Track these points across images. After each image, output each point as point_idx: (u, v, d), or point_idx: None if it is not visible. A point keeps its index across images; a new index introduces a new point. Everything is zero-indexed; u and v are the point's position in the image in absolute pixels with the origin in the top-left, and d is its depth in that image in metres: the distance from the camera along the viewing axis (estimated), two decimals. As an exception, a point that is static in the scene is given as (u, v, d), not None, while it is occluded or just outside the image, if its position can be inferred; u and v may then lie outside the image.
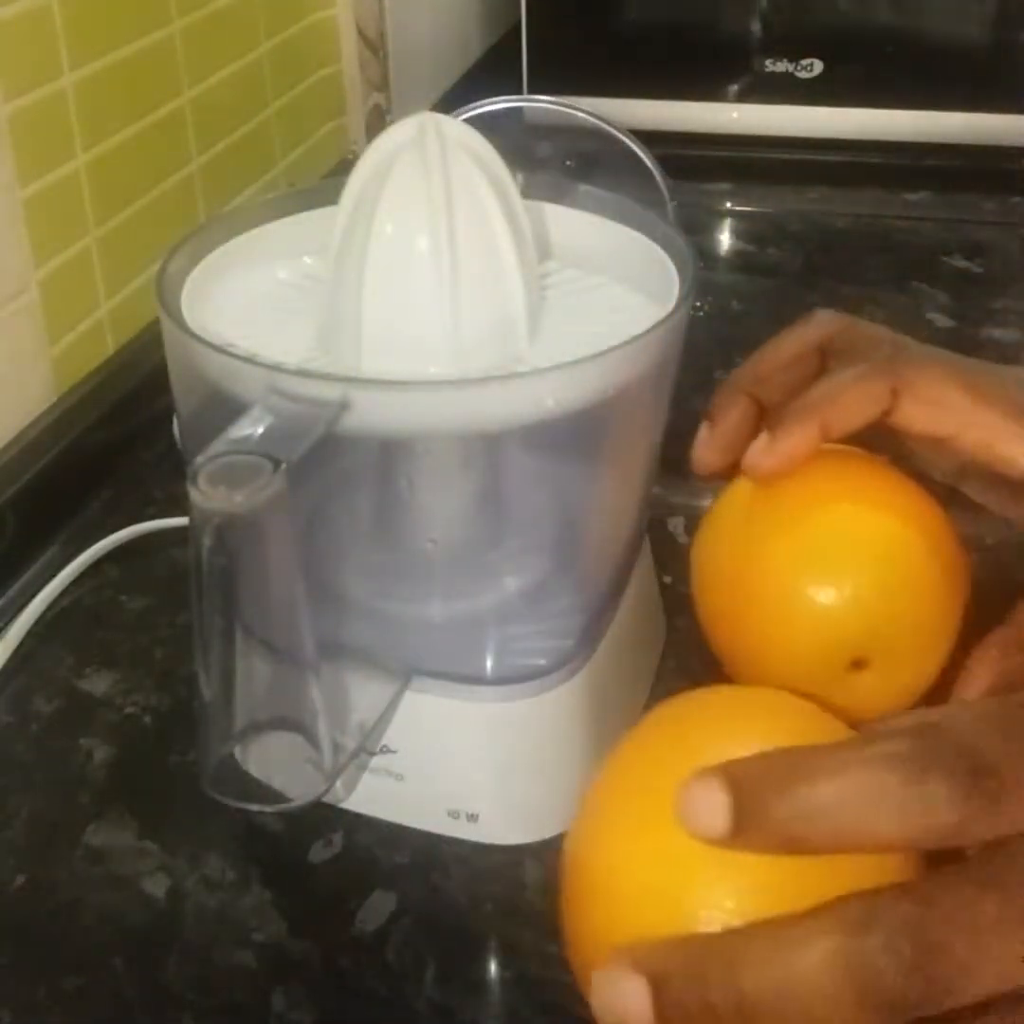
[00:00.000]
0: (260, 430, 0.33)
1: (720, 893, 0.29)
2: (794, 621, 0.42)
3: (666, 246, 0.42)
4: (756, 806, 0.28)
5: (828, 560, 0.42)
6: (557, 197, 0.45)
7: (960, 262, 0.84)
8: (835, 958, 0.27)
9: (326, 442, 0.33)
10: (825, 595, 0.41)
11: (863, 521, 0.42)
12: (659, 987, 0.27)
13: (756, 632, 0.43)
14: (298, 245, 0.44)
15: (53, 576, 0.54)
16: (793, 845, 0.28)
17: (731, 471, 0.45)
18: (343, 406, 0.34)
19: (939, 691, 0.45)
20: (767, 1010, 0.27)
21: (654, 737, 0.35)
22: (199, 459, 0.32)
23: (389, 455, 0.42)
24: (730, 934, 0.29)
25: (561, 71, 0.96)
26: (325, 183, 0.43)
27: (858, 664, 0.41)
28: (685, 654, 0.49)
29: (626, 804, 0.32)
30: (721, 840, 0.28)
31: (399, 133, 0.39)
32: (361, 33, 0.88)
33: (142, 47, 0.65)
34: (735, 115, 0.96)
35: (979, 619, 0.51)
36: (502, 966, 0.39)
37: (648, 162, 0.50)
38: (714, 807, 0.28)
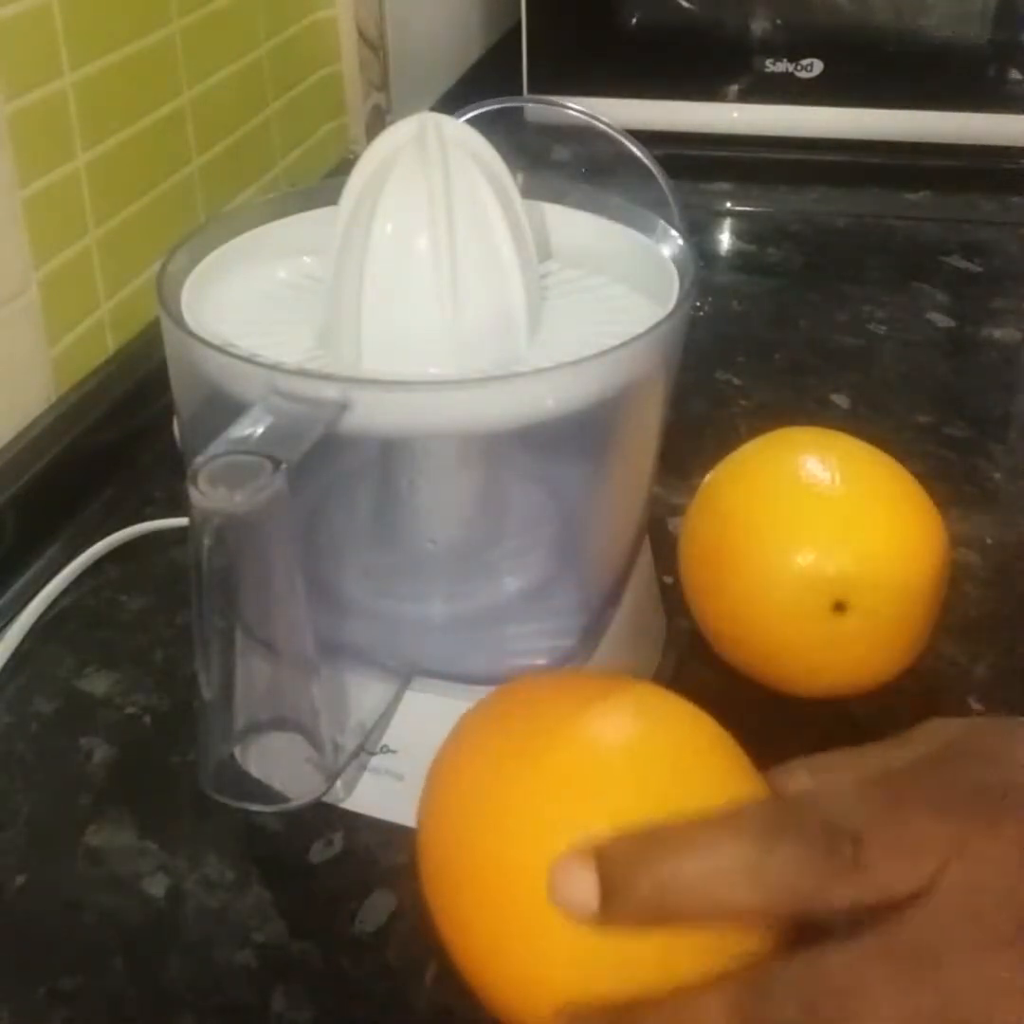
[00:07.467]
0: (260, 430, 0.33)
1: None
2: (775, 574, 0.44)
3: (666, 246, 0.42)
4: (622, 883, 0.29)
5: (802, 516, 0.45)
6: (557, 197, 0.45)
7: (960, 262, 0.84)
8: (734, 1013, 0.29)
9: (326, 442, 0.33)
10: (804, 546, 0.44)
11: (834, 479, 0.45)
12: None
13: (740, 593, 0.45)
14: (298, 245, 0.44)
15: (53, 576, 0.54)
16: (661, 917, 0.29)
17: None
18: (343, 406, 0.34)
19: (930, 657, 0.46)
20: None
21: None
22: (199, 459, 0.32)
23: (389, 455, 0.42)
24: (637, 1004, 0.30)
25: (561, 71, 0.96)
26: (325, 183, 0.43)
27: (840, 607, 0.43)
28: (685, 654, 0.49)
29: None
30: (592, 917, 0.29)
31: (399, 133, 0.39)
32: (361, 33, 0.88)
33: (142, 47, 0.65)
34: (735, 115, 0.96)
35: (978, 615, 0.51)
36: (502, 966, 0.39)
37: (647, 162, 0.50)
38: (583, 885, 0.29)
